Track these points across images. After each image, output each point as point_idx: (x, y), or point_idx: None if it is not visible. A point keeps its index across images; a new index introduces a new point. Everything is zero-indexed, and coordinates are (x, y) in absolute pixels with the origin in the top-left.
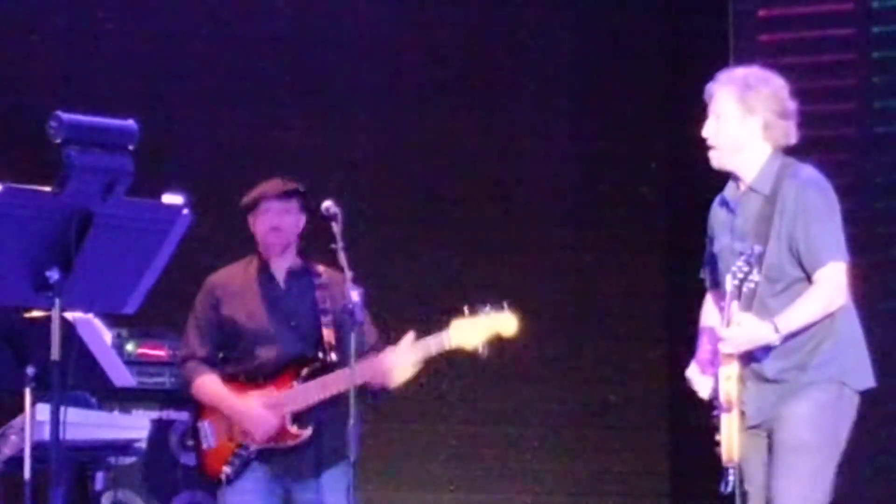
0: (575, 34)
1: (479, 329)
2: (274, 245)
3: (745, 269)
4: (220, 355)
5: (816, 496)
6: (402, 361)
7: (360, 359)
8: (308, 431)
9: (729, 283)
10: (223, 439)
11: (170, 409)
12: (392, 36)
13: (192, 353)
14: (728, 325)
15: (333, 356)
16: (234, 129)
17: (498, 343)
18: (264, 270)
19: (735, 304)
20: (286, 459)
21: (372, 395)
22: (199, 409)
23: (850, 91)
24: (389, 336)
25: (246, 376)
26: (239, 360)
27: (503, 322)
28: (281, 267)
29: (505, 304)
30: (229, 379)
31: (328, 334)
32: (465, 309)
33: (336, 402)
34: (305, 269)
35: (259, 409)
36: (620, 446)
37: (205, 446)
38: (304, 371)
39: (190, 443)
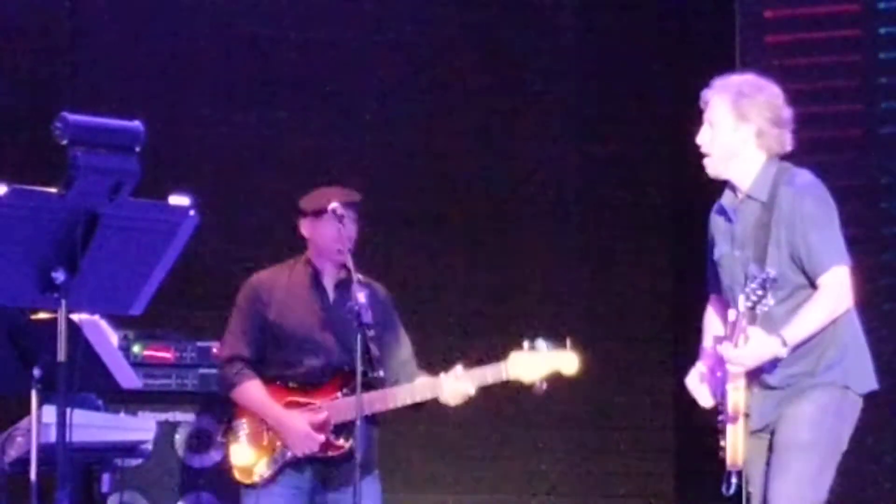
0: (580, 35)
1: (538, 365)
2: (341, 253)
3: (760, 292)
4: (263, 357)
5: (812, 496)
6: (451, 389)
7: (402, 370)
8: (349, 444)
9: (742, 304)
10: (258, 442)
11: (176, 410)
12: (398, 38)
13: (237, 354)
14: (735, 340)
15: (381, 372)
16: (240, 131)
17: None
18: (314, 278)
19: (745, 324)
20: (319, 469)
21: (417, 407)
22: (235, 408)
23: (856, 92)
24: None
25: (288, 382)
26: (282, 366)
27: (564, 360)
28: (331, 276)
29: (568, 342)
30: (271, 382)
31: (374, 349)
32: (525, 343)
33: (374, 417)
34: (351, 280)
35: (306, 427)
36: (626, 447)
37: (237, 446)
38: (350, 384)
39: (221, 440)
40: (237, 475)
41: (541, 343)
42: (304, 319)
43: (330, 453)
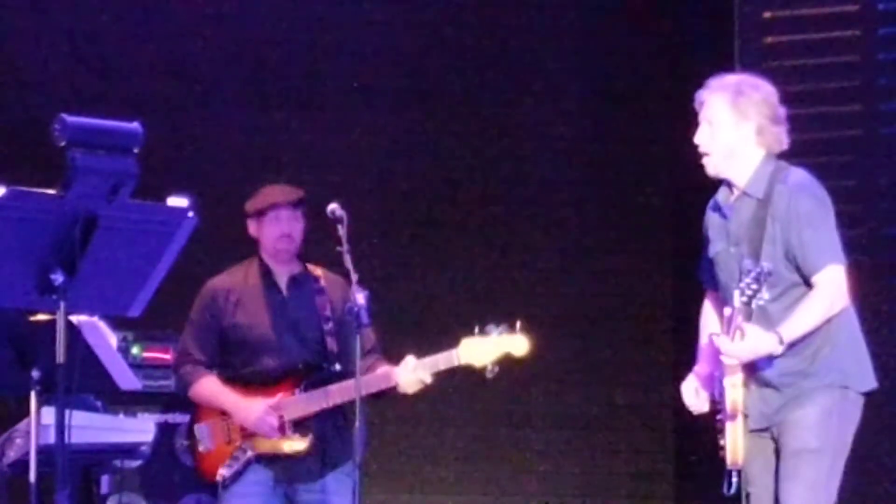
0: (580, 36)
1: (489, 349)
2: (285, 252)
3: (755, 286)
4: (219, 361)
5: (824, 499)
6: (406, 379)
7: (361, 363)
8: (307, 441)
9: (737, 300)
10: (220, 442)
11: (175, 412)
12: (397, 39)
13: (189, 356)
14: (731, 334)
15: (338, 366)
16: (239, 132)
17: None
18: (267, 277)
19: (740, 319)
20: (288, 463)
21: (376, 397)
22: (195, 412)
23: (856, 93)
24: (393, 339)
25: (246, 382)
26: (240, 366)
27: (515, 343)
28: (283, 273)
29: (518, 325)
30: (230, 383)
31: (331, 342)
32: (476, 328)
33: (339, 409)
34: (305, 274)
35: (262, 407)
36: (626, 448)
37: (202, 449)
38: (308, 380)
39: (185, 443)
40: (205, 476)
41: (491, 328)
42: (258, 319)
43: (292, 450)
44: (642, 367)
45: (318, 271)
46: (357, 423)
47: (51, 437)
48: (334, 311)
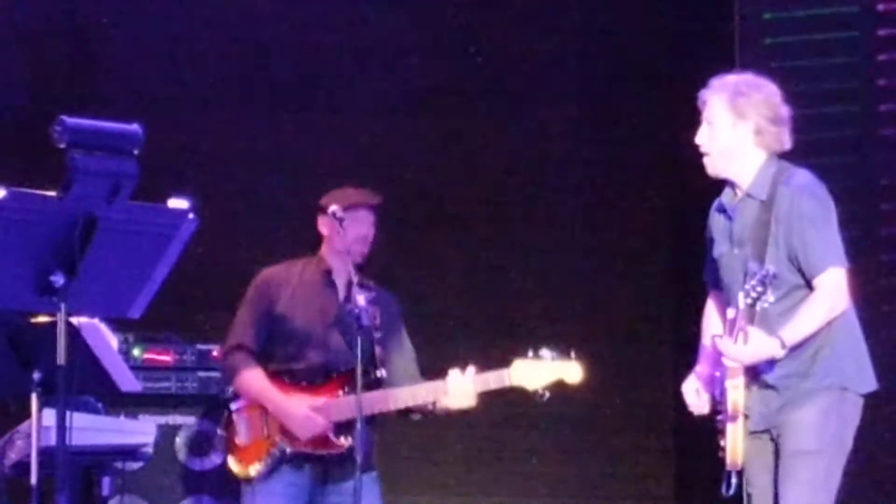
0: (580, 37)
1: (542, 374)
2: (360, 254)
3: (760, 289)
4: (267, 351)
5: (822, 500)
6: (455, 398)
7: (405, 373)
8: (349, 441)
9: (741, 301)
10: (258, 437)
11: (176, 414)
12: (400, 41)
13: (241, 344)
14: (734, 337)
15: (383, 373)
16: (240, 133)
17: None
18: (326, 276)
19: (744, 322)
20: (317, 467)
21: (421, 412)
22: (236, 401)
23: (855, 93)
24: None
25: (291, 377)
26: (285, 361)
27: (568, 370)
28: (342, 276)
29: (572, 353)
30: (274, 376)
31: (379, 351)
32: (529, 350)
33: (375, 417)
34: (361, 283)
35: (307, 411)
36: (626, 449)
37: (238, 441)
38: (352, 383)
39: (221, 433)
40: (236, 470)
41: (545, 352)
42: (311, 316)
43: (329, 451)
44: (643, 368)
45: (371, 283)
46: (358, 426)
47: (52, 439)
48: (383, 322)
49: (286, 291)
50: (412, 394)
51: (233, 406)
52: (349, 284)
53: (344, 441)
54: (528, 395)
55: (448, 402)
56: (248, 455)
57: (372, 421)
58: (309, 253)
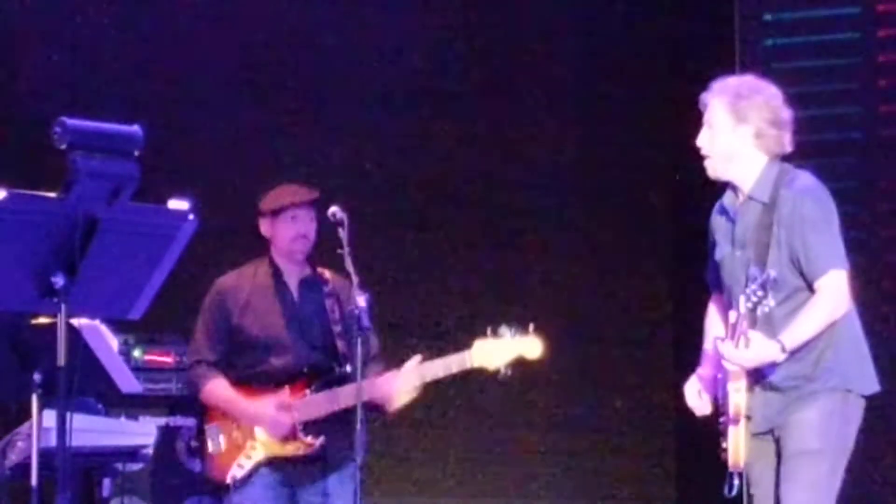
0: (581, 40)
1: (502, 351)
2: (299, 252)
3: (760, 293)
4: (229, 361)
5: (823, 501)
6: (405, 384)
7: (365, 369)
8: (319, 441)
9: (742, 306)
10: (231, 443)
11: (176, 415)
12: (400, 41)
13: (202, 357)
14: (736, 340)
15: (348, 367)
16: (240, 135)
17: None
18: (277, 278)
19: (745, 325)
20: (293, 466)
21: (372, 410)
22: (205, 412)
23: (856, 95)
24: (395, 343)
25: (256, 382)
26: (248, 367)
27: (528, 345)
28: (294, 275)
29: (531, 327)
30: (238, 384)
31: (341, 345)
32: (489, 330)
33: (345, 412)
34: (315, 277)
35: (272, 410)
36: (627, 451)
37: (212, 450)
38: (318, 381)
39: (195, 444)
40: (214, 477)
41: (504, 329)
42: (268, 320)
43: (301, 451)
44: (643, 370)
45: (326, 274)
46: (359, 426)
47: (52, 441)
48: (342, 313)
49: (241, 298)
50: (369, 389)
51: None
52: (302, 283)
53: (314, 440)
54: (493, 377)
55: (395, 399)
56: (223, 463)
57: (347, 416)
58: (258, 257)
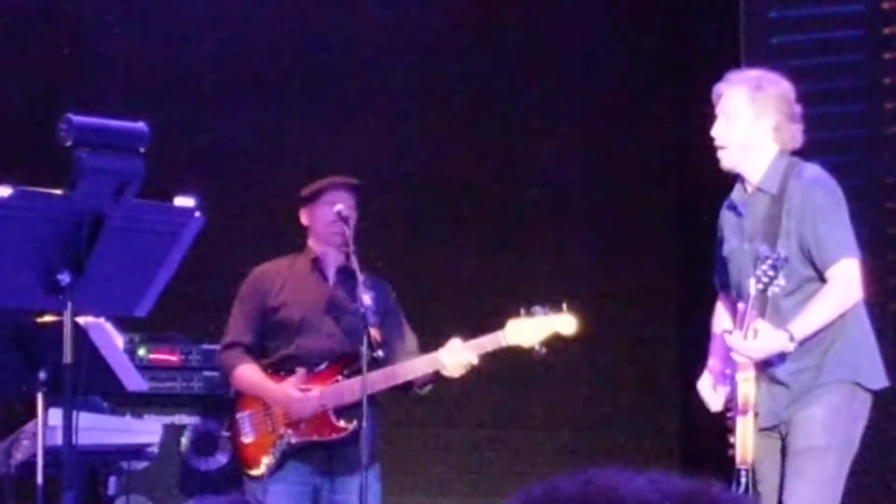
0: (586, 38)
1: (536, 329)
2: (338, 235)
3: (771, 273)
4: (262, 345)
5: (830, 498)
6: (452, 362)
7: (404, 358)
8: (353, 425)
9: (752, 287)
10: (263, 432)
11: (182, 413)
12: (403, 38)
13: (236, 341)
14: (744, 331)
15: (380, 353)
16: (246, 132)
17: (551, 342)
18: (315, 264)
19: (754, 314)
20: (323, 457)
21: (419, 386)
22: (237, 400)
23: (861, 92)
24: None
25: (288, 368)
26: (281, 350)
27: (562, 323)
28: (331, 264)
29: (564, 306)
30: (270, 369)
31: (375, 333)
32: (521, 309)
33: (376, 403)
34: (352, 268)
35: (293, 391)
36: (631, 450)
37: (244, 439)
38: (350, 367)
39: (226, 433)
40: (244, 467)
41: (537, 308)
42: (303, 304)
43: (334, 436)
44: (648, 369)
45: (363, 271)
46: (364, 424)
47: (57, 439)
48: (377, 307)
49: (277, 284)
50: (411, 369)
51: (237, 413)
52: (340, 270)
53: (347, 424)
54: (527, 354)
55: (448, 373)
56: (255, 453)
57: (376, 407)
58: (300, 249)
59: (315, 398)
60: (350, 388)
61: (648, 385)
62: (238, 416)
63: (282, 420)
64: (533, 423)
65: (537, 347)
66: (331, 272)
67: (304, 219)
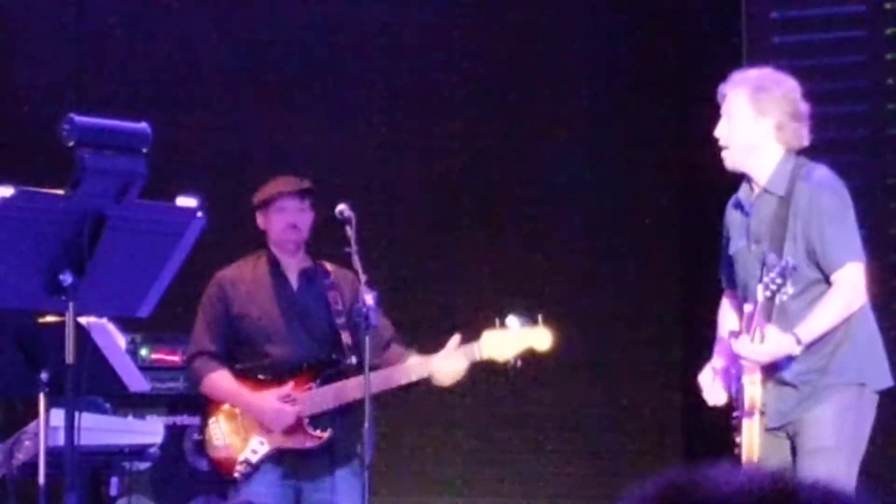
0: (588, 39)
1: (511, 343)
2: (290, 242)
3: (779, 281)
4: (230, 353)
5: None
6: (448, 366)
7: (384, 353)
8: (327, 434)
9: (760, 295)
10: (235, 437)
11: (184, 414)
12: (408, 38)
13: (202, 350)
14: (752, 335)
15: (353, 359)
16: (248, 133)
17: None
18: (275, 269)
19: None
20: (299, 460)
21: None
22: (208, 407)
23: (863, 92)
24: (407, 340)
25: (258, 375)
26: (250, 358)
27: (537, 337)
28: (292, 266)
29: (539, 318)
30: (241, 376)
31: (345, 336)
32: (497, 320)
33: (351, 406)
34: (315, 268)
35: (275, 403)
36: (635, 449)
37: (217, 444)
38: (323, 374)
39: (197, 438)
40: (220, 473)
41: (512, 319)
42: (267, 310)
43: (308, 444)
44: (651, 368)
45: (327, 266)
46: (366, 423)
47: (60, 440)
48: (345, 305)
49: (240, 290)
50: (403, 373)
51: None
52: (302, 274)
53: (321, 433)
54: (503, 369)
55: (439, 380)
56: (229, 457)
57: (354, 411)
58: (258, 250)
59: (291, 411)
60: (324, 396)
61: (653, 385)
62: (210, 421)
63: (254, 426)
64: (535, 422)
65: (512, 362)
66: (293, 275)
67: (259, 222)
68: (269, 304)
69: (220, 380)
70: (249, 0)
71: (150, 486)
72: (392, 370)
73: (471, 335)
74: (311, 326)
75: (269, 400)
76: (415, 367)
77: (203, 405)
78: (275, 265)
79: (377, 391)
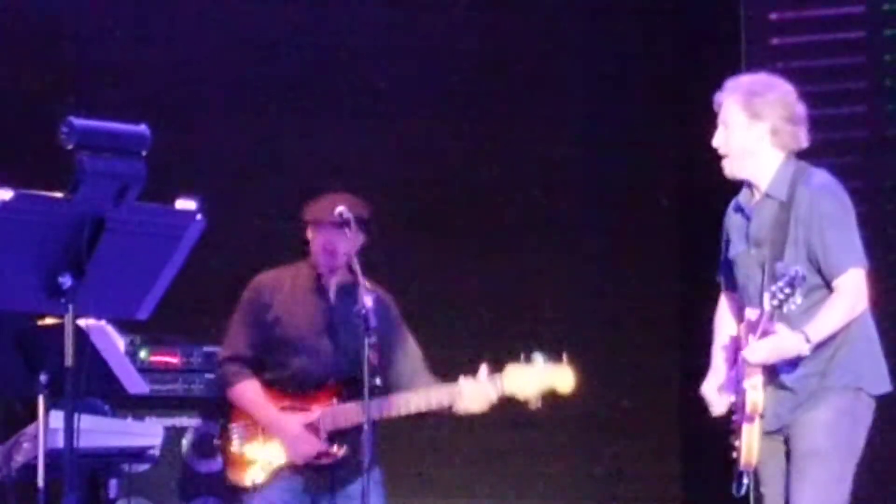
0: (586, 41)
1: (534, 381)
2: (325, 265)
3: (787, 290)
4: (261, 360)
5: (835, 501)
6: (477, 391)
7: (415, 378)
8: (343, 450)
9: (766, 303)
10: (254, 445)
11: (183, 416)
12: (406, 42)
13: (237, 354)
14: (758, 338)
15: (378, 381)
16: (247, 135)
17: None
18: (316, 281)
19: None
20: (316, 472)
21: (436, 415)
22: (232, 412)
23: (862, 94)
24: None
25: (284, 387)
26: (277, 369)
27: (560, 377)
28: (332, 280)
29: (564, 356)
30: (266, 385)
31: (373, 356)
32: (522, 354)
33: (373, 424)
34: (355, 285)
35: (300, 430)
36: (634, 451)
37: (234, 450)
38: (347, 391)
39: (217, 443)
40: (233, 479)
41: (537, 356)
42: (302, 322)
43: (325, 461)
44: (649, 370)
45: (368, 285)
46: (365, 428)
47: (59, 442)
48: (380, 325)
49: (278, 297)
50: (425, 398)
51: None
52: (341, 289)
53: (338, 450)
54: (523, 405)
55: (464, 406)
56: (244, 464)
57: (373, 428)
58: (303, 258)
59: (314, 443)
60: (345, 413)
61: (650, 386)
62: (231, 425)
63: (273, 437)
64: (535, 424)
65: (533, 401)
66: (333, 290)
67: (307, 235)
68: (304, 315)
69: (249, 390)
70: (250, 1)
71: (149, 488)
72: (412, 394)
73: (470, 338)
74: (341, 342)
75: (293, 425)
76: (437, 393)
77: (226, 408)
78: (317, 277)
79: (396, 415)
